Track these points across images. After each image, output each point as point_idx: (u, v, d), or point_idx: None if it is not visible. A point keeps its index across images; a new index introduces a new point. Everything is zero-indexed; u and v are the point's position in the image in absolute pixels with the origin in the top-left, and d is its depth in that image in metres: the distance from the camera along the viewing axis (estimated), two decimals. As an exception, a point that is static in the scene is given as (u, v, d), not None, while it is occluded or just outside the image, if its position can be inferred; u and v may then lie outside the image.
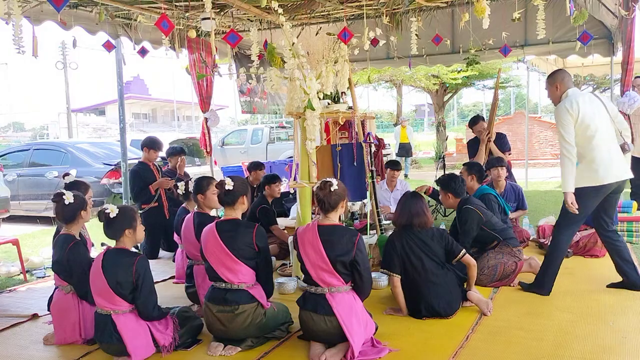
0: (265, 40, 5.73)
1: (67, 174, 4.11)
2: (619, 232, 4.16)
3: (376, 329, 3.30)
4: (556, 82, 4.00)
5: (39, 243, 7.01)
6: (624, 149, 3.98)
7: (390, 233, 4.83)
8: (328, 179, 3.27)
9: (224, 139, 16.72)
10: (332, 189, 3.20)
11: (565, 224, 4.04)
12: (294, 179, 4.60)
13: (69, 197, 3.51)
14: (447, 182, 4.49)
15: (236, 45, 4.88)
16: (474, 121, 6.42)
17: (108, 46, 5.44)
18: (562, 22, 6.76)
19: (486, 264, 4.34)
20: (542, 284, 4.08)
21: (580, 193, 3.85)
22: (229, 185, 3.40)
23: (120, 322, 3.14)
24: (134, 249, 3.39)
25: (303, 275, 3.29)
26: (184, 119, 43.67)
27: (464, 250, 3.81)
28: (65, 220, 3.60)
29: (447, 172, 5.97)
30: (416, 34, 5.86)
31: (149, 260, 4.99)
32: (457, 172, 4.99)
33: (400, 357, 3.11)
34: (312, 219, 3.31)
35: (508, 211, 5.08)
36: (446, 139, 18.21)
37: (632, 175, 4.00)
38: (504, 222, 4.73)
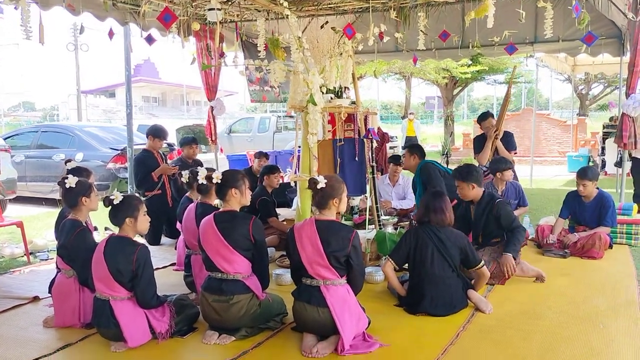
0: (272, 32, 5.74)
1: (69, 160, 4.16)
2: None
3: (369, 324, 3.35)
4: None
5: (44, 225, 7.11)
6: None
7: (388, 228, 4.90)
8: (315, 177, 3.28)
9: (230, 126, 16.77)
10: (317, 187, 3.22)
11: None
12: (295, 173, 4.63)
13: (70, 182, 3.54)
14: (468, 173, 4.39)
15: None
16: (483, 117, 6.38)
17: (110, 34, 5.46)
18: (572, 21, 6.66)
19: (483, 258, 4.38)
20: None
21: None
22: (217, 178, 3.43)
23: (118, 308, 3.20)
24: (138, 237, 3.43)
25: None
26: (193, 104, 43.67)
27: (482, 262, 3.87)
28: (69, 204, 3.66)
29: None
30: (422, 31, 5.83)
31: (151, 246, 5.11)
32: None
33: (390, 352, 3.16)
34: (312, 211, 3.33)
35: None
36: (451, 134, 18.17)
37: None
38: None
